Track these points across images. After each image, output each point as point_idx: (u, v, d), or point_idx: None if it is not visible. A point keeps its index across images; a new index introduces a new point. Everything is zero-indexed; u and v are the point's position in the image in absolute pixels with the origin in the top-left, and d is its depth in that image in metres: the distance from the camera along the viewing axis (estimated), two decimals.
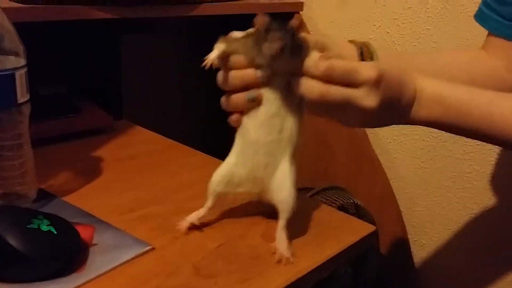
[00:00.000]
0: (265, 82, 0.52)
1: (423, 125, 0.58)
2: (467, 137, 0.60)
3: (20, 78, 0.55)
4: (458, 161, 1.01)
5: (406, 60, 0.72)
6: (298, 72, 0.51)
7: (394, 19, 1.04)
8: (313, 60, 0.50)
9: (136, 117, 0.93)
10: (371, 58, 0.63)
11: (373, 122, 0.56)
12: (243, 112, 0.54)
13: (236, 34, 0.54)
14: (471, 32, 0.95)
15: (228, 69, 0.53)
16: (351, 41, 0.65)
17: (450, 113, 0.56)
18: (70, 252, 0.50)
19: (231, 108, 0.54)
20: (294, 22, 0.50)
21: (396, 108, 0.54)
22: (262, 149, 0.54)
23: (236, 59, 0.52)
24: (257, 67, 0.52)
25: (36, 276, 0.47)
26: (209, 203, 0.57)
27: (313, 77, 0.50)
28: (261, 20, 0.51)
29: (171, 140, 0.84)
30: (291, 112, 0.53)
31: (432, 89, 0.56)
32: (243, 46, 0.52)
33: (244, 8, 0.99)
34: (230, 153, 0.56)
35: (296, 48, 0.50)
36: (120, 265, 0.51)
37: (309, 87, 0.50)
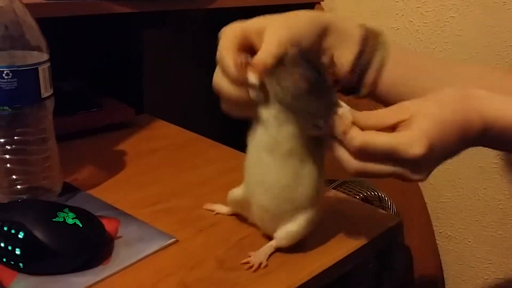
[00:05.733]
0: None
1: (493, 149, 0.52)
2: None
3: (44, 73, 0.55)
4: (485, 151, 0.99)
5: (429, 67, 0.59)
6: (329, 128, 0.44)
7: (417, 7, 1.02)
8: (345, 131, 0.43)
9: (157, 111, 0.93)
10: (374, 51, 0.54)
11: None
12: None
13: None
14: (496, 19, 0.93)
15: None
16: (361, 26, 0.55)
17: None
18: (96, 245, 0.50)
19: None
20: (325, 60, 0.45)
21: (461, 145, 0.46)
22: (269, 214, 0.51)
23: None
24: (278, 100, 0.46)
25: (63, 269, 0.48)
26: (229, 210, 0.59)
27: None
28: (290, 52, 0.45)
29: (192, 133, 0.84)
30: (306, 173, 0.48)
31: (505, 116, 0.46)
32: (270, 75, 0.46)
33: (266, 0, 0.98)
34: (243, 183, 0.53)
35: (322, 89, 0.43)
36: (145, 257, 0.51)
37: (345, 161, 0.44)
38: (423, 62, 0.59)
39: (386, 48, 0.54)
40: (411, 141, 0.42)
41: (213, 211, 0.60)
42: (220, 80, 0.48)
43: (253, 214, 0.54)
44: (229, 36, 0.48)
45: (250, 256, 0.51)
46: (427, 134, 0.42)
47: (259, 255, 0.51)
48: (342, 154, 0.44)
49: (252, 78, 0.46)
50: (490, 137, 0.46)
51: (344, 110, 0.44)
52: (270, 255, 0.52)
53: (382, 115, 0.45)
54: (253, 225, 0.57)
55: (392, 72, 0.55)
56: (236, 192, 0.55)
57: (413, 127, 0.43)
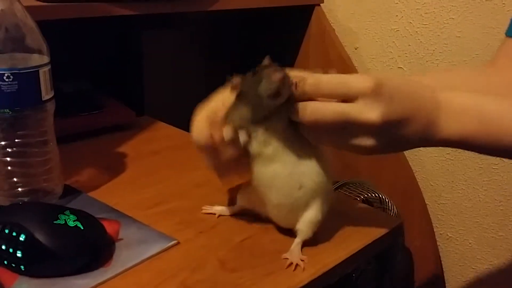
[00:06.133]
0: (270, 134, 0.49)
1: (453, 145, 0.49)
2: (506, 157, 0.51)
3: (44, 75, 0.55)
4: None
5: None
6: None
7: (417, 9, 1.02)
8: (299, 76, 0.46)
9: (157, 112, 0.93)
10: None
11: (386, 144, 0.47)
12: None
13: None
14: (496, 20, 0.93)
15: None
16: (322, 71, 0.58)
17: (488, 126, 0.48)
18: (97, 247, 0.50)
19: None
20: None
21: (412, 125, 0.46)
22: (285, 208, 0.53)
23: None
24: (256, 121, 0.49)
25: (64, 271, 0.48)
26: (235, 209, 0.59)
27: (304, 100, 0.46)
28: (236, 81, 0.49)
29: None
30: (306, 157, 0.50)
31: (463, 100, 0.48)
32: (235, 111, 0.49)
33: (266, 2, 0.99)
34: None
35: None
36: (146, 259, 0.51)
37: (300, 108, 0.46)
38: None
39: None
40: (359, 76, 0.46)
41: (214, 214, 0.60)
42: (211, 159, 0.53)
43: (268, 211, 0.55)
44: (199, 121, 0.53)
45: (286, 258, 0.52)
46: (376, 77, 0.45)
47: (295, 254, 0.52)
48: (298, 104, 0.46)
49: (227, 131, 0.49)
50: (447, 123, 0.47)
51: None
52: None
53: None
54: (257, 225, 0.57)
55: None
56: (247, 192, 0.56)
57: (362, 75, 0.47)
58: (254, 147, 0.50)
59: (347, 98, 0.45)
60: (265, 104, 0.47)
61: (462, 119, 0.48)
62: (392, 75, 0.48)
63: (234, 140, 0.49)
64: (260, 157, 0.50)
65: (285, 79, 0.46)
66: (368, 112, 0.44)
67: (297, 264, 0.51)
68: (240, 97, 0.48)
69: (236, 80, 0.49)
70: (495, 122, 0.48)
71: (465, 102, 0.48)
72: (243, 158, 0.51)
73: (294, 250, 0.53)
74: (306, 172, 0.51)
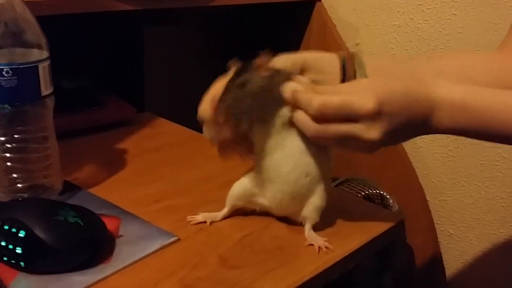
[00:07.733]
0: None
1: (449, 134, 0.53)
2: (501, 143, 0.54)
3: (44, 70, 0.55)
4: (486, 149, 0.99)
5: (406, 65, 0.64)
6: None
7: (419, 4, 1.02)
8: (305, 98, 0.48)
9: (158, 109, 0.93)
10: (354, 72, 0.58)
11: (385, 145, 0.51)
12: None
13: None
14: (498, 16, 0.92)
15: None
16: (338, 53, 0.59)
17: (477, 120, 0.51)
18: (97, 244, 0.50)
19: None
20: (258, 60, 0.49)
21: (410, 127, 0.50)
22: (290, 196, 0.54)
23: None
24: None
25: (63, 268, 0.48)
26: (225, 211, 0.58)
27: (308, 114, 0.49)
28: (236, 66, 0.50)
29: (194, 131, 0.84)
30: (311, 147, 0.52)
31: (453, 97, 0.50)
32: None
33: None
34: (251, 171, 0.55)
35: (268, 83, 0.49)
36: (146, 256, 0.51)
37: (305, 125, 0.49)
38: (404, 66, 0.63)
39: (363, 68, 0.58)
40: (363, 96, 0.47)
41: (204, 222, 0.57)
42: (212, 133, 0.52)
43: (269, 199, 0.55)
44: (206, 98, 0.53)
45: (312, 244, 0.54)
46: (377, 94, 0.47)
47: (315, 238, 0.54)
48: (302, 117, 0.49)
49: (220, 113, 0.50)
50: (440, 119, 0.50)
51: (302, 78, 0.52)
52: None
53: (339, 86, 0.53)
54: (257, 222, 0.57)
55: None
56: (243, 184, 0.56)
57: (365, 88, 0.49)
58: (256, 136, 0.51)
59: (350, 119, 0.48)
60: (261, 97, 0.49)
61: (453, 115, 0.50)
62: (394, 81, 0.50)
63: (231, 123, 0.50)
64: (263, 147, 0.51)
65: (274, 78, 0.48)
66: (370, 132, 0.47)
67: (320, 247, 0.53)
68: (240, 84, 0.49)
69: (236, 65, 0.50)
70: (486, 117, 0.50)
71: (454, 99, 0.51)
72: (244, 141, 0.52)
73: (312, 236, 0.54)
74: (312, 162, 0.52)
